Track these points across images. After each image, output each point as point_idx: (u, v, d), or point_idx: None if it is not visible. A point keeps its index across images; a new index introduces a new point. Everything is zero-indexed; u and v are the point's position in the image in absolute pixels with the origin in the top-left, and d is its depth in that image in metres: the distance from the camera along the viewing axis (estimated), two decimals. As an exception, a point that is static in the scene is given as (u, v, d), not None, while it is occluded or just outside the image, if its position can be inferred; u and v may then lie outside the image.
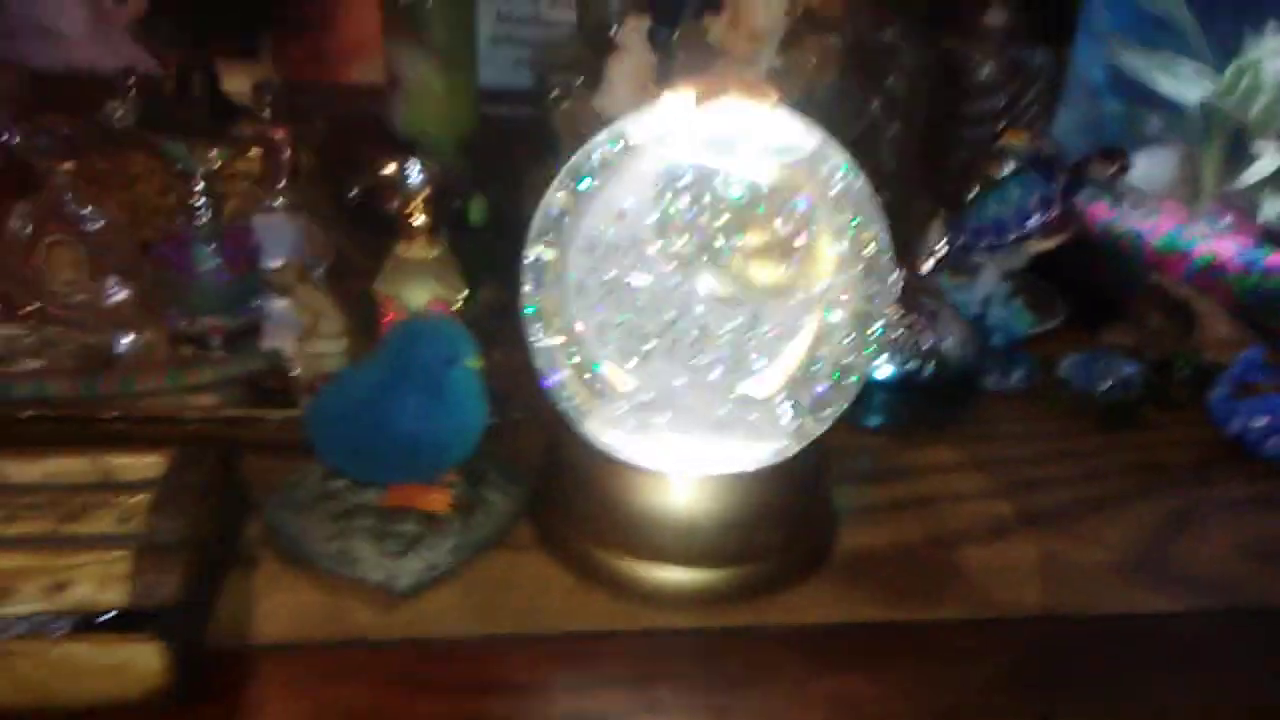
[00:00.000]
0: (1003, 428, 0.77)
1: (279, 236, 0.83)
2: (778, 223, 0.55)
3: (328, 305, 0.77)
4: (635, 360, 0.57)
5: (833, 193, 0.55)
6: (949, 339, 0.73)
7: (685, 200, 0.55)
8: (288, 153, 0.84)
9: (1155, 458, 0.74)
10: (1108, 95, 0.98)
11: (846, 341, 0.57)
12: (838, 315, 0.57)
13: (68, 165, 0.75)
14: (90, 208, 0.78)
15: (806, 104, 0.77)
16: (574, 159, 0.56)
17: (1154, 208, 0.88)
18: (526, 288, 0.58)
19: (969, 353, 0.74)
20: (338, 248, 0.85)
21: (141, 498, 0.51)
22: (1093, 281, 0.91)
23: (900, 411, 0.74)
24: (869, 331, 0.57)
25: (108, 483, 0.53)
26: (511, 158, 0.94)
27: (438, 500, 0.60)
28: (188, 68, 0.93)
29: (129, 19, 0.97)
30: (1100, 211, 0.90)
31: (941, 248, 0.76)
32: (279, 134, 0.84)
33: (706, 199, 0.54)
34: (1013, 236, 0.80)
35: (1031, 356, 0.82)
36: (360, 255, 0.83)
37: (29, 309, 0.75)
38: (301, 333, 0.77)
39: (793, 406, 0.58)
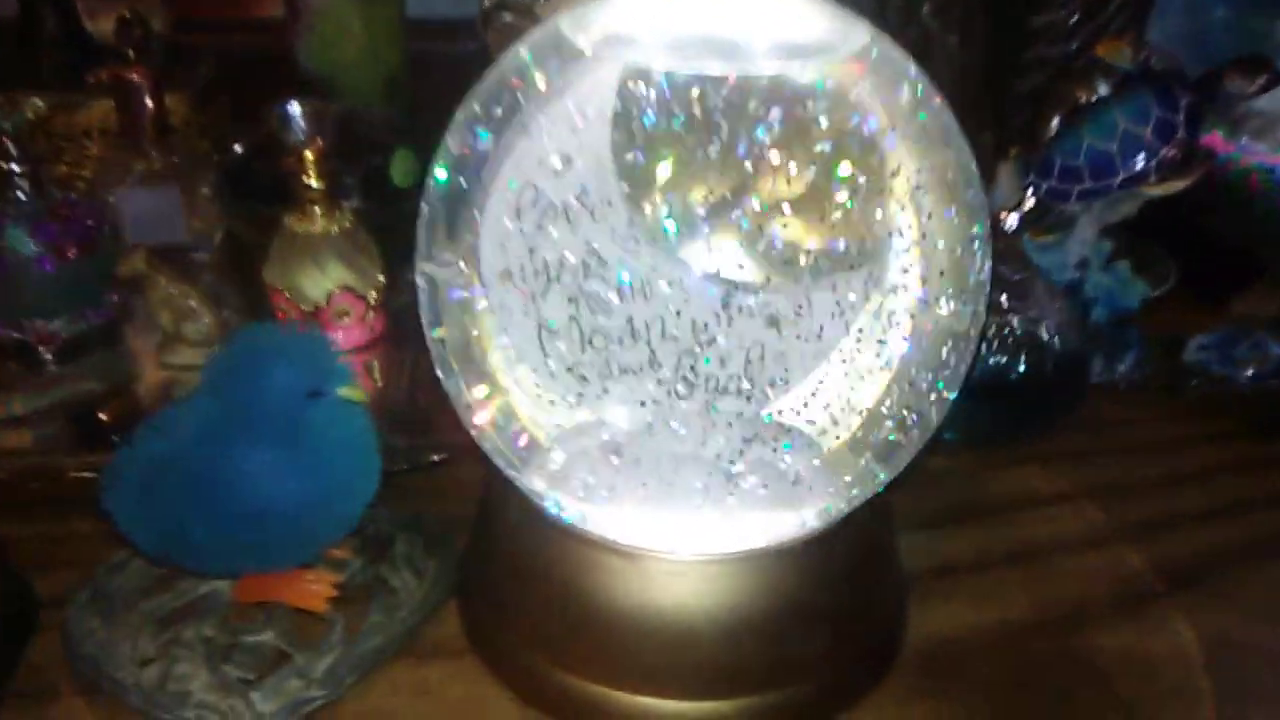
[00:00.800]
0: (1115, 437, 0.57)
1: (143, 210, 0.63)
2: (812, 158, 0.34)
3: (195, 301, 0.57)
4: (595, 383, 0.36)
5: (901, 107, 0.35)
6: (1046, 321, 0.53)
7: (667, 127, 0.34)
8: (148, 102, 0.64)
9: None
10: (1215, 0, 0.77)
11: (934, 327, 0.37)
12: (914, 299, 0.36)
13: None
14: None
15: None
16: (478, 88, 0.37)
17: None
18: (420, 282, 0.38)
19: (1072, 337, 0.54)
20: (225, 224, 0.65)
21: None
22: (1211, 234, 0.70)
23: (982, 421, 0.53)
24: (965, 325, 0.37)
25: None
26: (451, 103, 0.74)
27: (312, 592, 0.40)
28: (38, 3, 0.72)
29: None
30: (1215, 144, 0.70)
31: (1028, 198, 0.56)
32: (135, 76, 0.63)
33: (698, 127, 0.33)
34: (1120, 178, 0.59)
35: (1143, 336, 0.61)
36: (253, 233, 0.63)
37: None
38: (159, 339, 0.58)
39: (847, 445, 0.38)
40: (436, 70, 0.75)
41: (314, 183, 0.57)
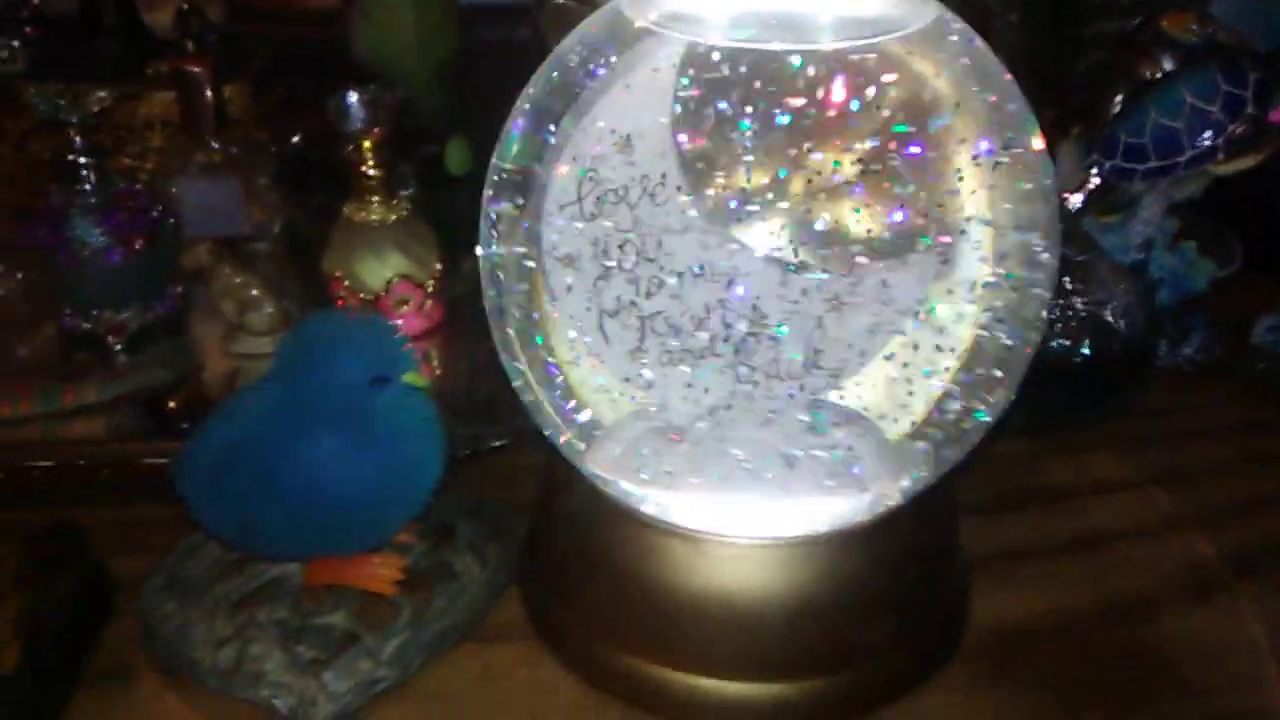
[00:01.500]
0: (1181, 421, 0.56)
1: (203, 202, 0.64)
2: (877, 128, 0.34)
3: (258, 290, 0.58)
4: (656, 368, 0.36)
5: (960, 89, 0.34)
6: (1111, 304, 0.52)
7: (726, 108, 0.34)
8: (208, 93, 0.65)
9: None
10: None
11: (996, 326, 0.36)
12: (978, 285, 0.36)
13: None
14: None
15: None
16: (538, 74, 0.37)
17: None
18: (484, 269, 0.38)
19: (1137, 320, 0.53)
20: (285, 215, 0.66)
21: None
22: (1275, 212, 0.68)
23: (1045, 406, 0.52)
24: (1030, 307, 0.36)
25: None
26: (505, 90, 0.74)
27: (380, 576, 0.41)
28: (97, -2, 0.74)
29: (34, -58, 0.79)
30: (1283, 119, 0.67)
31: (1093, 177, 0.54)
32: (196, 68, 0.64)
33: (762, 104, 0.33)
34: (1187, 156, 0.57)
35: (1208, 318, 0.60)
36: (315, 225, 0.64)
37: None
38: (224, 328, 0.59)
39: (910, 431, 0.37)
40: (490, 57, 0.76)
41: (372, 171, 0.58)
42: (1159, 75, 0.62)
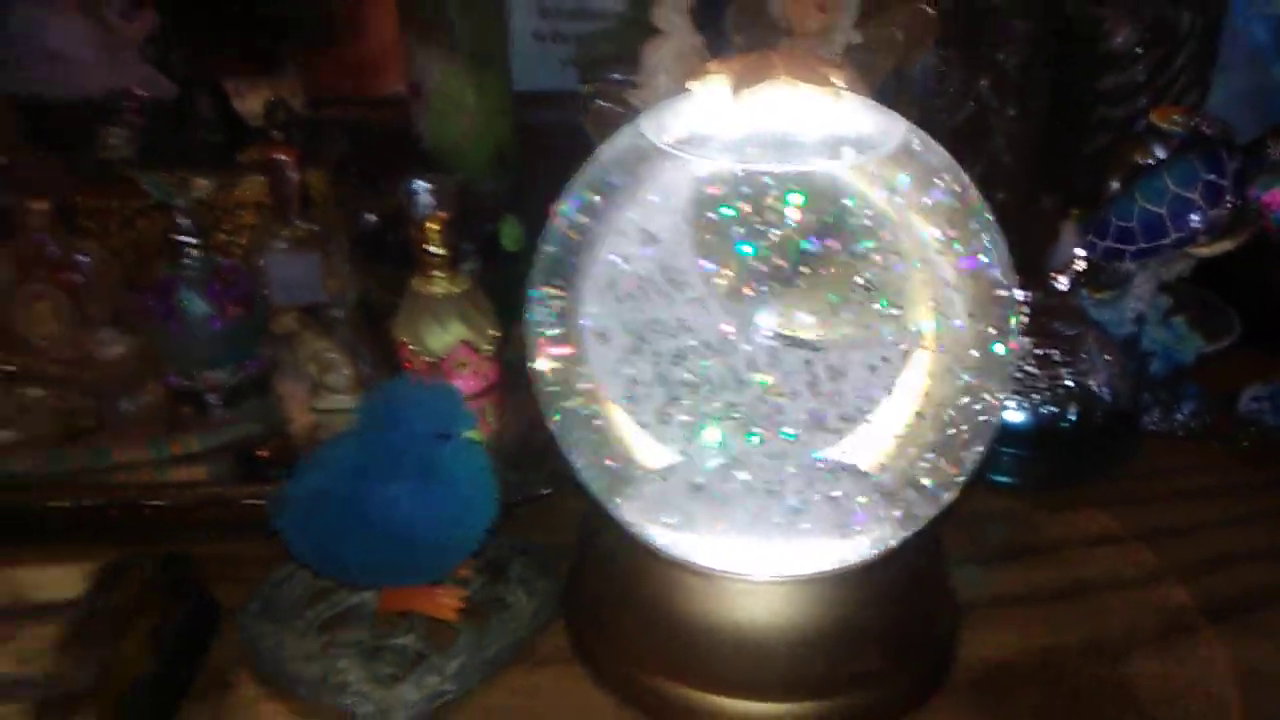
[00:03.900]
0: (1169, 483, 0.60)
1: (287, 274, 0.72)
2: (859, 240, 0.41)
3: (337, 354, 0.66)
4: (678, 427, 0.43)
5: (928, 199, 0.41)
6: (1096, 374, 0.58)
7: (732, 217, 0.41)
8: (296, 178, 0.73)
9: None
10: (1274, 60, 0.80)
11: (962, 390, 0.42)
12: (947, 354, 0.42)
13: (40, 204, 0.66)
14: (78, 251, 0.69)
15: (896, 87, 0.63)
16: (578, 175, 0.44)
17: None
18: (531, 340, 0.45)
19: (1122, 389, 0.58)
20: (360, 287, 0.74)
21: (50, 628, 0.39)
22: (1272, 290, 0.73)
23: (1037, 467, 0.58)
24: (997, 371, 0.42)
25: (16, 606, 0.42)
26: (555, 171, 0.82)
27: (444, 604, 0.48)
28: (195, 88, 0.83)
29: (139, 37, 0.89)
30: (1276, 201, 0.73)
31: (1080, 257, 0.60)
32: (285, 156, 0.73)
33: (761, 215, 0.40)
34: (1172, 238, 0.63)
35: (1200, 388, 0.65)
36: (385, 294, 0.72)
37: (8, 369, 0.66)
38: (307, 387, 0.66)
39: (896, 478, 0.43)
40: (543, 137, 0.84)
41: (437, 250, 0.65)
42: (1149, 163, 0.68)
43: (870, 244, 0.41)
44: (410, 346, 0.65)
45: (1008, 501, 0.57)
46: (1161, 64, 0.80)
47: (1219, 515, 0.58)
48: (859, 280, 0.41)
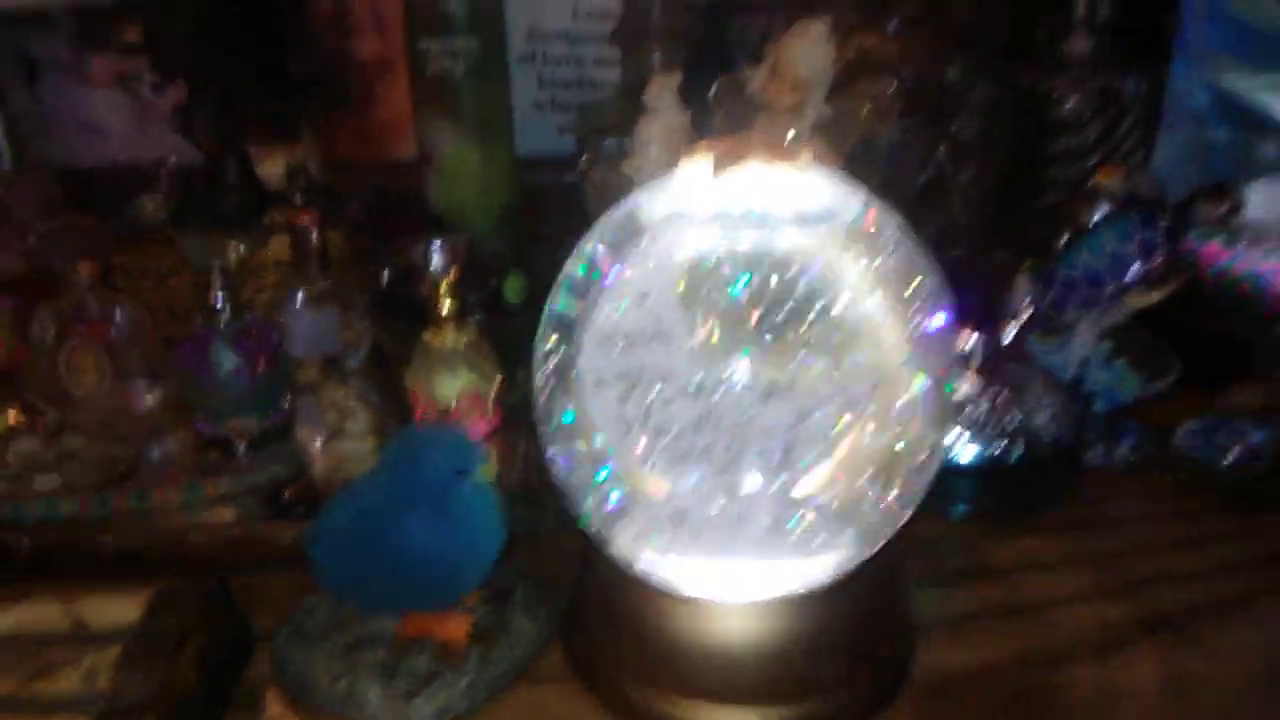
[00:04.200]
0: (1110, 512, 0.67)
1: (308, 328, 0.79)
2: (821, 299, 0.47)
3: (355, 401, 0.72)
4: (665, 466, 0.49)
5: (882, 261, 0.48)
6: (1040, 413, 0.64)
7: (713, 280, 0.48)
8: (315, 239, 0.80)
9: (1292, 543, 0.63)
10: (1213, 122, 0.87)
11: (914, 428, 0.49)
12: (900, 398, 0.49)
13: (86, 266, 0.72)
14: (116, 308, 0.76)
15: (863, 155, 0.70)
16: (581, 243, 0.50)
17: (1276, 245, 0.77)
18: (537, 388, 0.51)
19: (1065, 427, 0.65)
20: (373, 338, 0.81)
21: (112, 651, 0.45)
22: (1209, 334, 0.80)
23: (988, 498, 0.65)
24: (939, 414, 0.49)
25: (79, 633, 0.48)
26: (555, 229, 0.89)
27: (455, 629, 0.54)
28: (221, 155, 0.90)
29: (169, 108, 0.96)
30: (1213, 253, 0.79)
31: (1026, 309, 0.67)
32: (305, 220, 0.80)
33: (737, 278, 0.47)
34: (1110, 289, 0.70)
35: (1140, 425, 0.71)
36: (397, 345, 0.78)
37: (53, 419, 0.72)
38: (327, 433, 0.73)
39: (853, 508, 0.50)
40: (544, 198, 0.91)
41: (447, 306, 0.72)
42: (1094, 220, 0.75)
43: (832, 302, 0.48)
44: (422, 394, 0.71)
45: (962, 530, 0.64)
46: (1110, 127, 0.87)
47: (1154, 540, 0.64)
48: (822, 334, 0.48)
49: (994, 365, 0.66)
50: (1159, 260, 0.69)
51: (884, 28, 0.72)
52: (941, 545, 0.62)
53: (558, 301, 0.51)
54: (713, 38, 0.93)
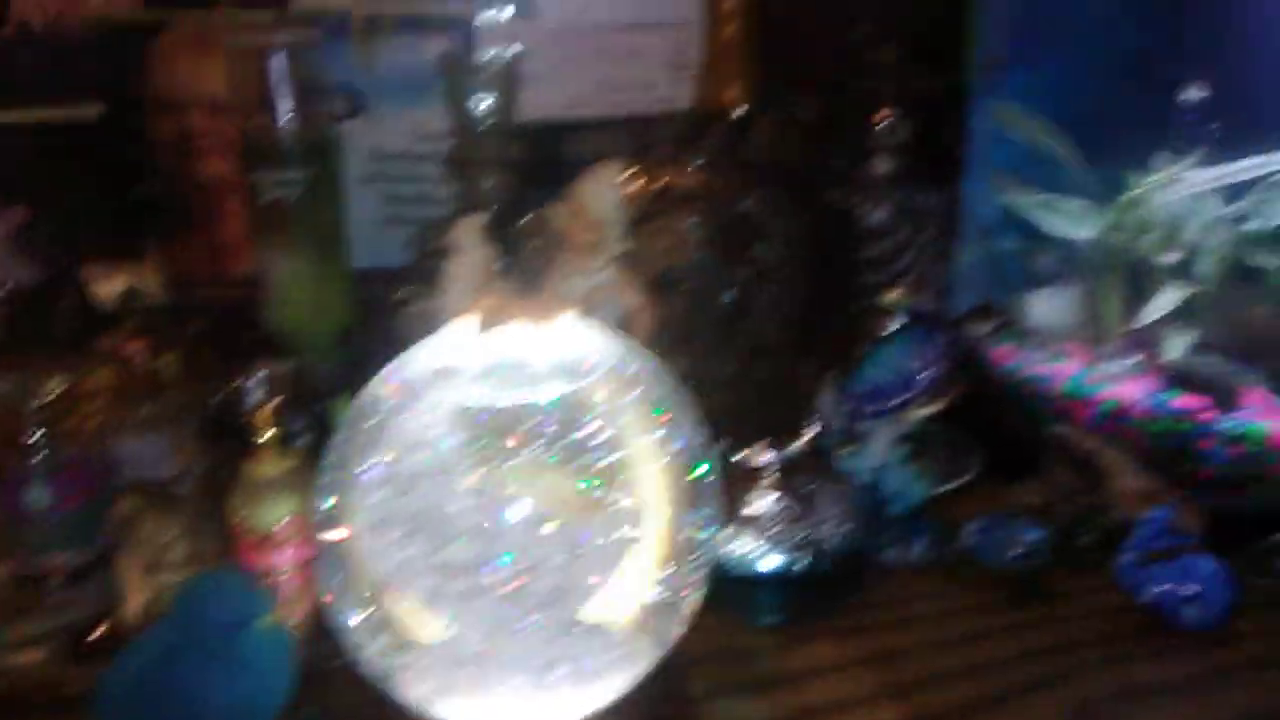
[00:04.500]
0: (900, 611, 0.71)
1: (135, 455, 0.79)
2: (586, 439, 0.51)
3: (178, 530, 0.72)
4: (443, 605, 0.52)
5: (637, 401, 0.52)
6: (824, 523, 0.68)
7: (482, 427, 0.51)
8: (146, 364, 0.81)
9: (1067, 636, 0.68)
10: (1002, 234, 0.95)
11: (684, 557, 0.52)
12: (661, 525, 0.52)
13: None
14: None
15: (666, 285, 0.75)
16: (356, 400, 0.53)
17: (1058, 350, 0.84)
18: (318, 530, 0.53)
19: (848, 535, 0.69)
20: (203, 464, 0.82)
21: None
22: (1005, 433, 0.86)
23: (785, 607, 0.68)
24: (696, 539, 0.52)
25: None
26: (394, 346, 0.91)
27: (248, 771, 0.55)
28: (55, 276, 0.91)
29: (8, 231, 0.96)
30: (1004, 357, 0.86)
31: (815, 423, 0.72)
32: (134, 347, 0.81)
33: (505, 424, 0.50)
34: (897, 400, 0.75)
35: (936, 524, 0.76)
36: (228, 471, 0.79)
37: None
38: (147, 564, 0.73)
39: (632, 631, 0.53)
40: (385, 313, 0.93)
41: (268, 434, 0.73)
42: (886, 335, 0.81)
43: (602, 443, 0.51)
44: (243, 523, 0.72)
45: (754, 638, 0.67)
46: (910, 240, 0.94)
47: (940, 638, 0.68)
48: (590, 473, 0.51)
49: (787, 477, 0.70)
50: (936, 373, 0.75)
51: (687, 163, 0.78)
52: (737, 655, 0.66)
53: (338, 442, 0.53)
54: (547, 160, 0.98)
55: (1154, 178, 0.83)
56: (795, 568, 0.67)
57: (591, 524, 0.51)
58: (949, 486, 0.81)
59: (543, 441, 0.50)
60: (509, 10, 1.05)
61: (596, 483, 0.50)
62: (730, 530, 0.67)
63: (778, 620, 0.68)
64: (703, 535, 0.52)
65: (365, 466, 0.52)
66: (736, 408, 0.77)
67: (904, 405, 0.75)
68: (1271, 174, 0.82)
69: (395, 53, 1.06)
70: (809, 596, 0.68)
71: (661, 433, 0.51)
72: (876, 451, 0.77)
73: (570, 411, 0.50)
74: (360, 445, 0.52)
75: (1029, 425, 0.84)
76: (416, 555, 0.51)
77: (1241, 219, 0.82)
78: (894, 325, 0.80)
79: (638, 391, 0.52)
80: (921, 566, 0.74)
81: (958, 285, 0.94)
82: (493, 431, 0.50)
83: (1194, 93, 0.82)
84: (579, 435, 0.50)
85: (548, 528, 0.51)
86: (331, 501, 0.53)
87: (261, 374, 0.76)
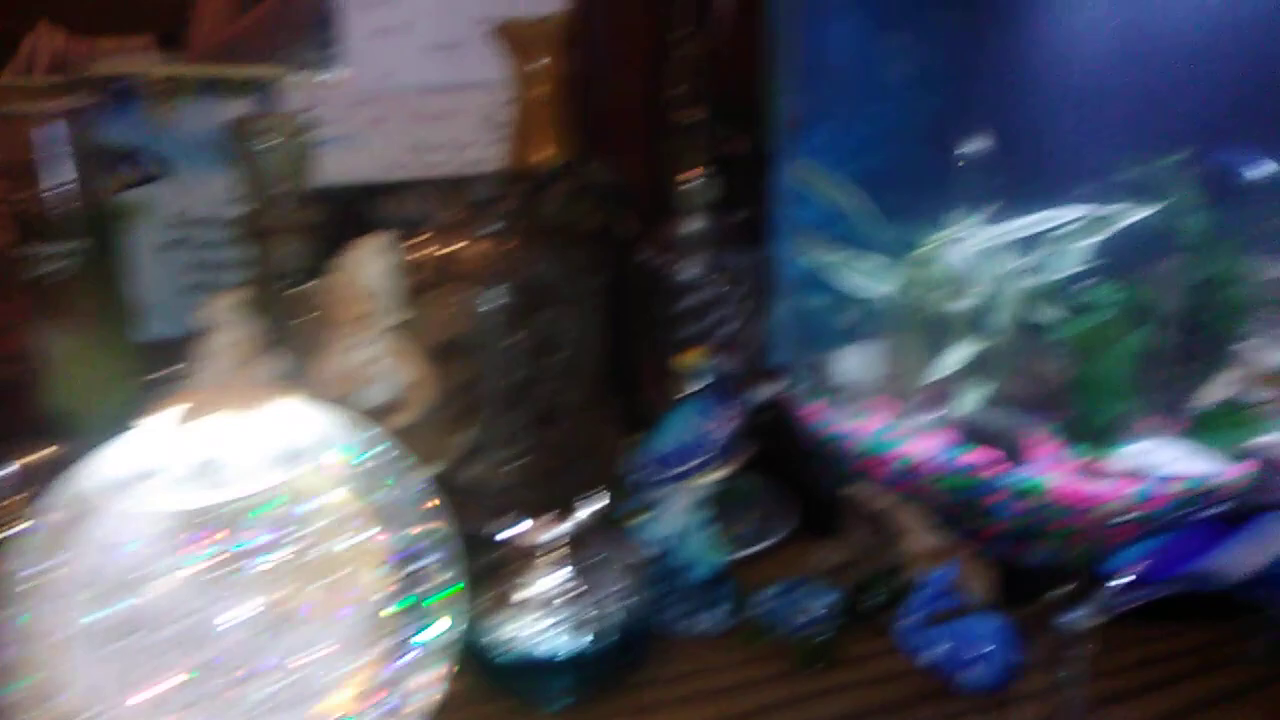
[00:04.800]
0: (695, 685, 0.69)
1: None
2: (299, 534, 0.48)
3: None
4: (162, 716, 0.48)
5: (353, 490, 0.49)
6: (609, 598, 0.66)
7: (186, 531, 0.48)
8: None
9: (857, 702, 0.67)
10: (810, 292, 0.96)
11: (418, 659, 0.50)
12: (398, 630, 0.49)
13: None
14: None
15: (449, 353, 0.73)
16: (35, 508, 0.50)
17: (863, 407, 0.85)
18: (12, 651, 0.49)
19: (635, 608, 0.67)
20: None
21: None
22: (810, 493, 0.86)
23: (575, 688, 0.66)
24: (441, 642, 0.50)
25: None
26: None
27: None
28: None
29: None
30: (812, 414, 0.86)
31: (600, 498, 0.70)
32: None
33: (204, 523, 0.47)
34: (692, 464, 0.74)
35: (733, 591, 0.75)
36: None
37: None
38: None
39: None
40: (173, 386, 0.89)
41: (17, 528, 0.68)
42: (682, 398, 0.80)
43: (323, 539, 0.48)
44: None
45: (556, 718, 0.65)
46: (721, 298, 0.94)
47: (738, 710, 0.67)
48: (315, 570, 0.48)
49: (575, 550, 0.68)
50: (730, 437, 0.74)
51: (473, 232, 0.76)
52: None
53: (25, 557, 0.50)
54: (356, 224, 0.95)
55: (940, 234, 0.84)
56: (579, 647, 0.64)
57: (306, 626, 0.48)
58: (756, 549, 0.80)
59: (248, 541, 0.47)
60: (320, 74, 1.03)
61: (308, 582, 0.47)
62: (507, 612, 0.64)
63: (565, 704, 0.66)
64: (430, 631, 0.49)
65: (52, 570, 0.48)
66: (530, 477, 0.75)
67: (698, 469, 0.74)
68: (1056, 228, 0.85)
69: (202, 116, 1.03)
70: (596, 675, 0.66)
71: (380, 526, 0.49)
72: (672, 518, 0.75)
73: (278, 505, 0.47)
74: (47, 550, 0.48)
75: (832, 484, 0.84)
76: (122, 666, 0.47)
77: (1031, 272, 0.84)
78: (693, 387, 0.79)
79: (356, 479, 0.49)
80: (717, 636, 0.73)
81: (771, 344, 0.94)
82: (191, 529, 0.46)
83: (975, 146, 0.84)
84: (287, 530, 0.47)
85: (259, 631, 0.48)
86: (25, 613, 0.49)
87: (15, 465, 0.71)
